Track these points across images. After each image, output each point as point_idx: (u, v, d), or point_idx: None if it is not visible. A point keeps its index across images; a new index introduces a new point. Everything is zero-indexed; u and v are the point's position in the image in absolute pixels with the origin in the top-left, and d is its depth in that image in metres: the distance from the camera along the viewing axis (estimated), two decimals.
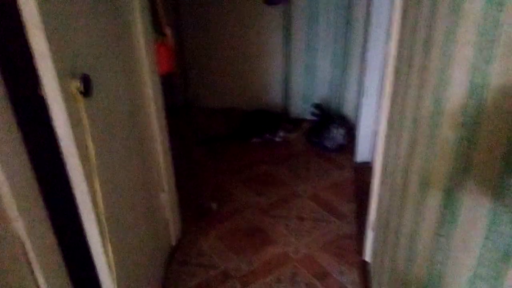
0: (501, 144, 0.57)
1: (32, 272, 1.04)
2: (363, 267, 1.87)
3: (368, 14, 2.53)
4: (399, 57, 1.36)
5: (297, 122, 3.32)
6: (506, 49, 0.57)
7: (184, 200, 2.25)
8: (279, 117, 3.27)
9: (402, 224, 1.13)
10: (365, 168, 2.65)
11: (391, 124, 1.44)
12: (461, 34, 0.73)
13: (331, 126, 2.89)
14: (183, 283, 1.82)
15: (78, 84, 0.96)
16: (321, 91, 3.29)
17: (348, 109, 3.22)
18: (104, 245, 1.14)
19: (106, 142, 1.19)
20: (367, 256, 1.87)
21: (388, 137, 1.50)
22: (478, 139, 0.65)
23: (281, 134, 3.14)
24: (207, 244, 2.05)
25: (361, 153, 2.72)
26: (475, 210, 0.66)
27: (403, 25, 1.34)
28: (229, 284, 1.81)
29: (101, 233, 1.12)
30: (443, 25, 0.84)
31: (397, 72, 1.39)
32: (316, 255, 1.96)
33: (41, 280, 1.05)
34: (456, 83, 0.74)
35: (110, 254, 1.15)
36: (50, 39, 0.87)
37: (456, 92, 0.75)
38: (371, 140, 2.63)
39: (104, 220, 1.11)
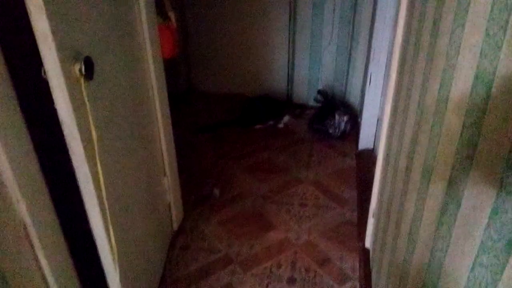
0: (508, 131, 0.57)
1: (34, 254, 1.05)
2: (364, 253, 1.88)
3: (375, 0, 2.49)
4: (406, 43, 1.34)
5: (301, 108, 3.30)
6: None
7: (186, 186, 2.26)
8: (283, 104, 3.26)
9: (404, 211, 1.13)
10: (368, 156, 2.64)
11: (396, 111, 1.43)
12: (470, 19, 0.72)
13: (335, 113, 2.88)
14: (184, 267, 1.84)
15: (81, 66, 0.95)
16: (325, 78, 3.27)
17: (352, 96, 3.19)
18: (106, 228, 1.15)
19: (108, 126, 1.19)
20: (368, 243, 1.88)
21: (392, 124, 1.49)
22: (484, 126, 0.64)
23: (285, 120, 3.13)
24: (208, 229, 2.06)
25: (365, 141, 2.71)
26: (478, 198, 0.66)
27: (410, 11, 1.31)
28: (230, 268, 1.83)
29: (103, 215, 1.13)
30: (451, 10, 0.82)
31: (403, 58, 1.37)
32: (317, 241, 1.98)
33: (43, 262, 1.06)
34: (464, 69, 0.73)
35: (112, 237, 1.16)
36: (52, 21, 0.86)
37: (463, 79, 0.73)
38: (375, 127, 2.61)
39: (106, 203, 1.11)
